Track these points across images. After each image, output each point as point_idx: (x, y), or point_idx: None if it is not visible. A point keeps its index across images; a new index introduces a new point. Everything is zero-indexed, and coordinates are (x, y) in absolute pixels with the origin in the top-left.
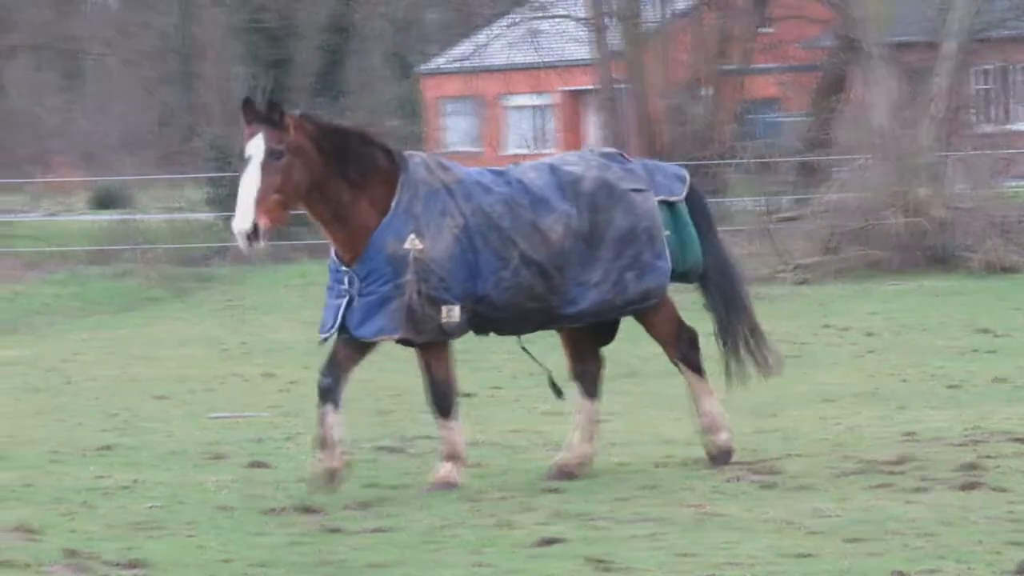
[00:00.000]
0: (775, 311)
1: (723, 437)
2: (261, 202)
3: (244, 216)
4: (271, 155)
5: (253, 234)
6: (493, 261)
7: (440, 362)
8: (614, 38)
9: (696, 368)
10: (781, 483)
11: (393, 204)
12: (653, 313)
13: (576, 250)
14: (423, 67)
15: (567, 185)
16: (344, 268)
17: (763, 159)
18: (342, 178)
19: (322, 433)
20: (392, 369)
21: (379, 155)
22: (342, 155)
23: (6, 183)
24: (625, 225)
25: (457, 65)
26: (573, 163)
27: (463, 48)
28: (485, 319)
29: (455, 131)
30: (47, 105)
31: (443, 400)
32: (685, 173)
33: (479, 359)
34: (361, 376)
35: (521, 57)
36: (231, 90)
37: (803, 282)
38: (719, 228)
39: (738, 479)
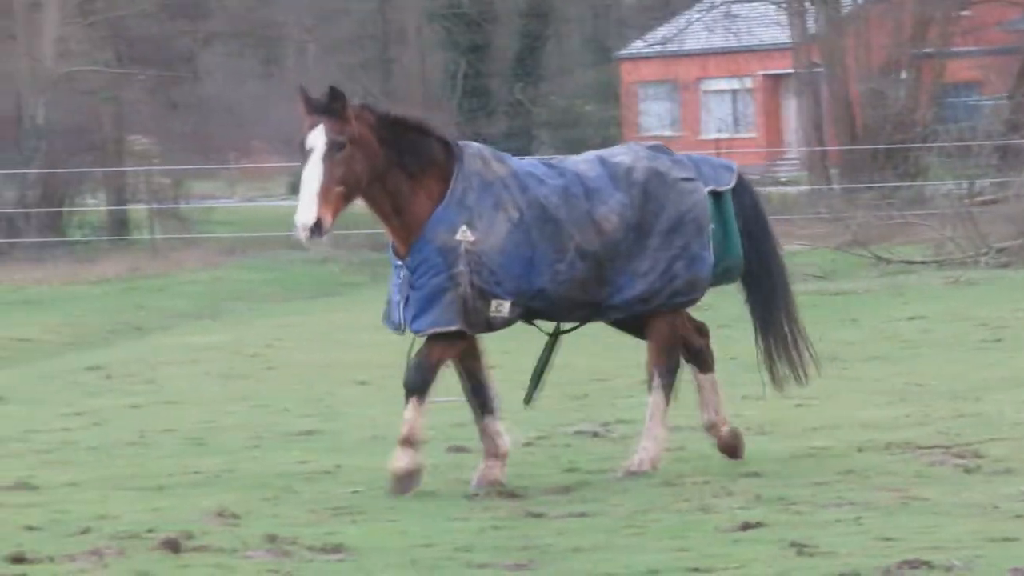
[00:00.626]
0: (975, 295)
1: (649, 460)
2: (324, 195)
3: (307, 210)
4: (333, 147)
5: (316, 228)
6: (550, 253)
7: (445, 347)
8: (813, 21)
9: (670, 393)
10: (984, 467)
11: (447, 195)
12: (665, 315)
13: (627, 240)
14: (621, 52)
15: (619, 175)
16: (399, 262)
17: (962, 143)
18: (401, 169)
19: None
20: (592, 353)
21: (436, 146)
22: (401, 146)
23: (204, 169)
24: (675, 214)
25: (655, 49)
26: (622, 154)
27: (661, 32)
28: (535, 311)
29: (652, 116)
30: (246, 92)
31: (423, 378)
32: (733, 164)
33: None
34: (560, 360)
35: (719, 41)
36: (429, 76)
37: (1004, 265)
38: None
39: (940, 463)
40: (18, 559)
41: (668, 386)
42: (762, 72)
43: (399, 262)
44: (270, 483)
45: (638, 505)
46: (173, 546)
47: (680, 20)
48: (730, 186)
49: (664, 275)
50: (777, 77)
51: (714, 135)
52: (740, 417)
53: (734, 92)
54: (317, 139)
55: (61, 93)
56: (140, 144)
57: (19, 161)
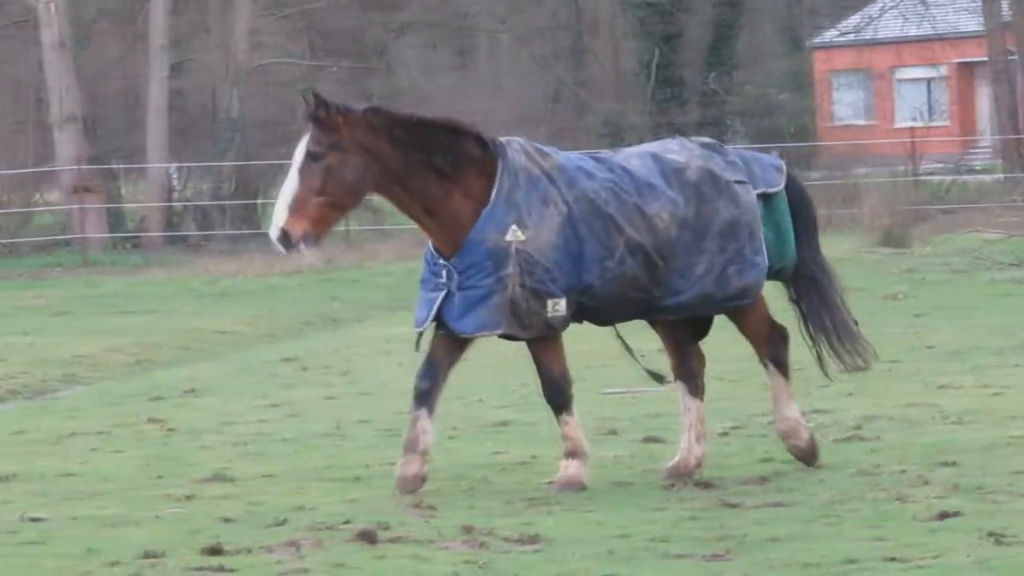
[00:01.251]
0: None
1: (802, 441)
2: (296, 207)
3: (275, 223)
4: (309, 157)
5: (284, 240)
6: (599, 250)
7: (552, 356)
8: (1007, 8)
9: (783, 369)
10: None
11: (492, 194)
12: (747, 312)
13: (682, 240)
14: (814, 40)
15: (671, 173)
16: (442, 261)
17: None
18: (429, 170)
19: (411, 436)
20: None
21: (470, 144)
22: (425, 146)
23: None
24: (728, 217)
25: (848, 38)
26: (675, 151)
27: (854, 21)
28: (585, 309)
29: (845, 104)
30: (438, 83)
31: (558, 395)
32: (782, 163)
33: (875, 332)
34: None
35: (913, 29)
36: (622, 65)
37: None
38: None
39: None
40: (215, 551)
41: (783, 364)
42: (956, 60)
43: (440, 261)
44: (466, 474)
45: (834, 495)
46: (369, 537)
47: (873, 8)
48: (780, 187)
49: (719, 279)
50: (971, 65)
51: (907, 123)
52: (936, 407)
53: (928, 80)
54: (298, 150)
55: (255, 86)
56: None
57: (214, 154)
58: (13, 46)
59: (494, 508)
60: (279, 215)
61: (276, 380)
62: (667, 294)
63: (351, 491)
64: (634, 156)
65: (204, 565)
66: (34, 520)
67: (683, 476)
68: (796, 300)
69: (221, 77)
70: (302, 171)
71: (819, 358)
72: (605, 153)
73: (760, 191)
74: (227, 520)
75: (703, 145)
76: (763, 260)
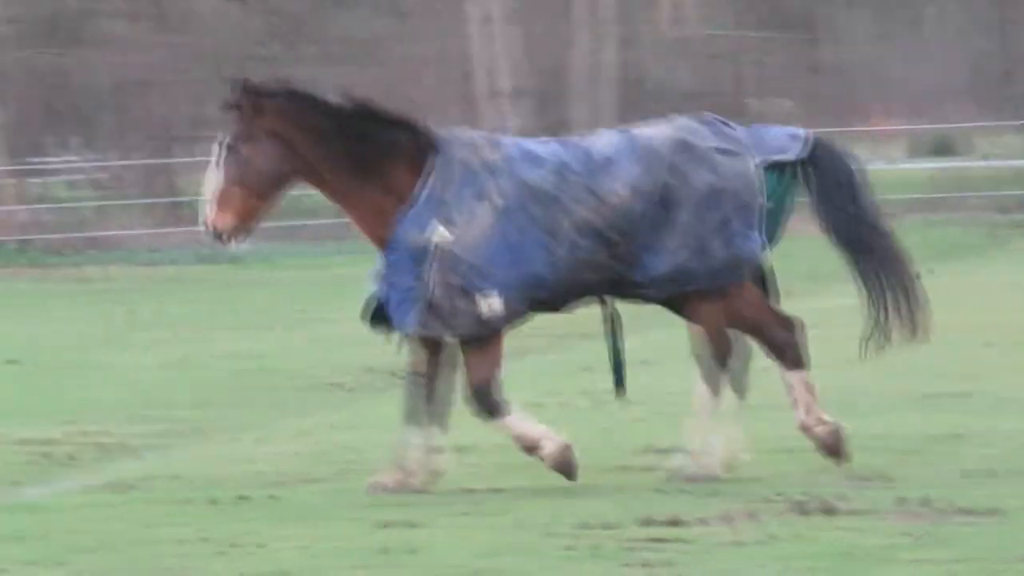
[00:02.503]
0: None
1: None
2: (220, 202)
3: (203, 219)
4: (227, 148)
5: (215, 236)
6: (542, 237)
7: (480, 360)
8: None
9: (800, 360)
10: None
11: (416, 192)
12: (740, 295)
13: (647, 214)
14: None
15: (640, 147)
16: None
17: None
18: (346, 161)
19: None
20: None
21: (403, 136)
22: (344, 136)
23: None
24: (704, 187)
25: None
26: (653, 126)
27: None
28: (540, 300)
29: None
30: (865, 55)
31: (483, 402)
32: (803, 132)
33: None
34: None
35: None
36: None
37: None
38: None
39: None
40: (649, 522)
41: (791, 353)
42: None
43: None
44: (897, 447)
45: None
46: (802, 509)
47: None
48: (795, 155)
49: (698, 253)
50: None
51: None
52: None
53: None
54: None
55: (688, 57)
56: (779, 106)
57: None
58: (443, 19)
59: (930, 479)
60: (206, 210)
61: None
62: (636, 270)
63: (783, 463)
64: (604, 135)
65: (638, 536)
66: (467, 491)
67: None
68: (850, 264)
69: (670, 49)
70: (223, 163)
71: (870, 327)
72: (576, 137)
73: (772, 159)
74: (660, 491)
75: (693, 118)
76: (758, 235)
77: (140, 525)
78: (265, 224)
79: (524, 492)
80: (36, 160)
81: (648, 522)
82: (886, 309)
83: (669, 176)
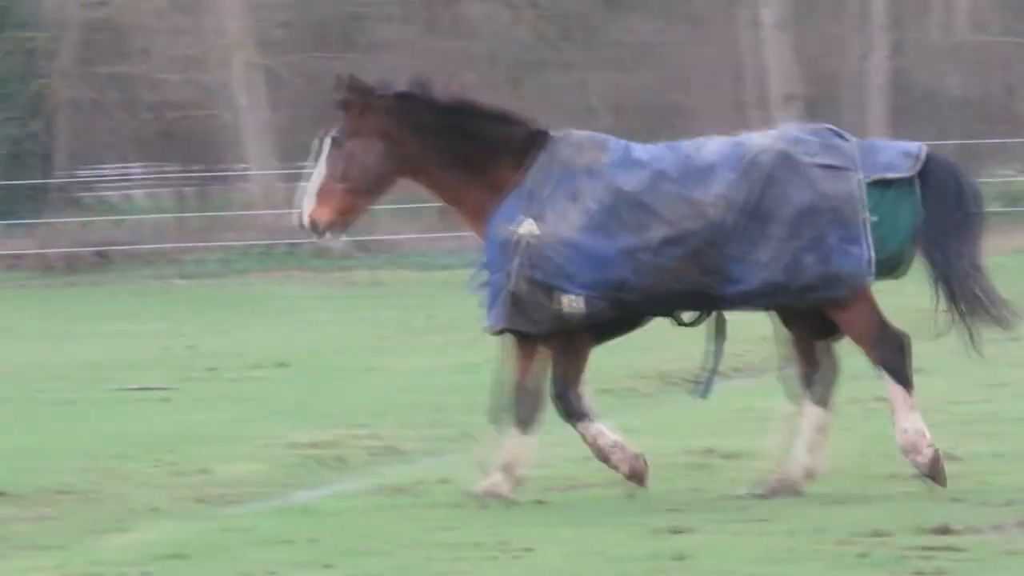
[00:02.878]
0: None
1: (924, 457)
2: (320, 195)
3: (301, 211)
4: (333, 143)
5: (312, 228)
6: (631, 241)
7: (563, 362)
8: None
9: (899, 378)
10: None
11: (514, 187)
12: (846, 308)
13: (739, 225)
14: None
15: (744, 157)
16: None
17: None
18: (451, 159)
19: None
20: None
21: (513, 135)
22: (451, 135)
23: None
24: (803, 201)
25: None
26: (764, 136)
27: None
28: (627, 303)
29: None
30: None
31: (561, 403)
32: (918, 149)
33: None
34: None
35: None
36: None
37: None
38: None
39: None
40: (943, 530)
41: (900, 372)
42: None
43: None
44: None
45: None
46: None
47: None
48: (905, 174)
49: (790, 268)
50: None
51: None
52: None
53: None
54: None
55: (974, 64)
56: None
57: (934, 134)
58: (715, 24)
59: None
60: (305, 203)
61: (1003, 359)
62: (725, 282)
63: None
64: (711, 142)
65: (932, 544)
66: (759, 497)
67: (787, 489)
68: (930, 274)
69: (941, 56)
70: (328, 158)
71: (962, 331)
72: (687, 141)
73: (877, 176)
74: (955, 500)
75: (811, 130)
76: (861, 250)
77: (411, 529)
78: None
79: (794, 499)
80: (307, 164)
81: (919, 530)
82: (977, 306)
83: (766, 188)
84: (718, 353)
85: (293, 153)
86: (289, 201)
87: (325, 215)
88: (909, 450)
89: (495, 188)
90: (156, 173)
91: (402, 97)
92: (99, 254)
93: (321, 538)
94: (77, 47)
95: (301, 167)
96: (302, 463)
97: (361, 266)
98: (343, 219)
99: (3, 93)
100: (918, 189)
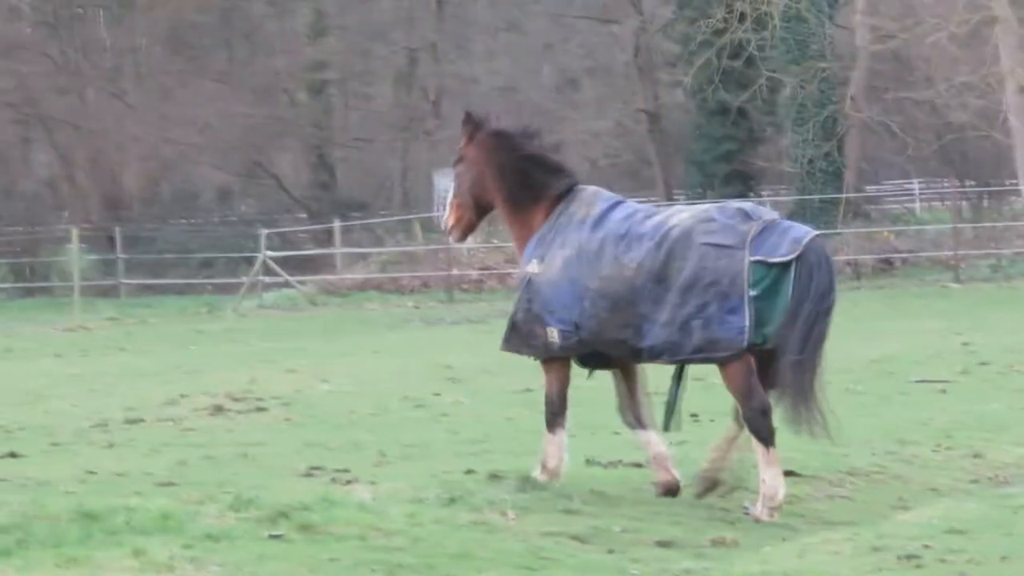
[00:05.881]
0: None
1: (776, 503)
2: (452, 204)
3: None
4: (455, 162)
5: (448, 230)
6: (581, 291)
7: (552, 378)
8: None
9: (761, 438)
10: None
11: (536, 231)
12: (726, 367)
13: (647, 288)
14: None
15: (663, 229)
16: None
17: None
18: (510, 197)
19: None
20: None
21: (555, 184)
22: (514, 176)
23: None
24: (691, 275)
25: None
26: (693, 212)
27: None
28: (585, 343)
29: None
30: None
31: (548, 416)
32: (804, 234)
33: None
34: None
35: None
36: None
37: None
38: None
39: None
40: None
41: (761, 433)
42: None
43: None
44: None
45: None
46: None
47: None
48: (783, 259)
49: (682, 330)
50: None
51: None
52: None
53: None
54: None
55: None
56: None
57: None
58: None
59: None
60: (445, 210)
61: None
62: (639, 337)
63: None
64: (662, 213)
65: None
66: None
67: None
68: (782, 359)
69: None
70: (455, 173)
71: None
72: (650, 208)
73: (757, 258)
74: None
75: (732, 210)
76: (739, 320)
77: None
78: None
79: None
80: None
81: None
82: (795, 410)
83: (668, 260)
84: (677, 392)
85: None
86: None
87: (450, 221)
88: (768, 494)
89: (530, 228)
90: (934, 188)
91: (495, 133)
92: (883, 260)
93: None
94: (866, 75)
95: None
96: None
97: None
98: (460, 226)
99: (801, 117)
100: (793, 272)
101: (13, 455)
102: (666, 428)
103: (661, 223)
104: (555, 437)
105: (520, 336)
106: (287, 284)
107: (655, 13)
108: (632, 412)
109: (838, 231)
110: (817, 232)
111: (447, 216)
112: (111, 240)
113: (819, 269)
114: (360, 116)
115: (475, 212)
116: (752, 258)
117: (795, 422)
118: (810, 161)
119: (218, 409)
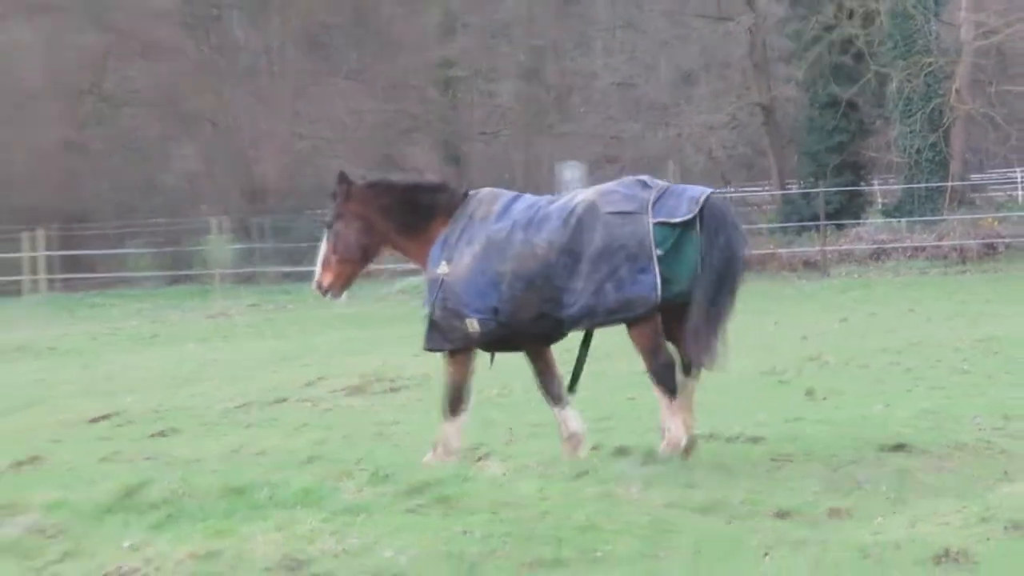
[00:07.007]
0: None
1: (678, 448)
2: (323, 264)
3: (314, 276)
4: (327, 224)
5: (319, 290)
6: (495, 278)
7: (455, 369)
8: None
9: (667, 390)
10: None
11: (439, 237)
12: (635, 326)
13: (561, 262)
14: None
15: (567, 208)
16: None
17: None
18: (407, 228)
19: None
20: None
21: (441, 198)
22: (403, 209)
23: None
24: (600, 243)
25: None
26: (591, 191)
27: None
28: (507, 330)
29: None
30: None
31: (450, 402)
32: (700, 194)
33: None
34: None
35: None
36: None
37: None
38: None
39: None
40: None
41: (667, 385)
42: None
43: None
44: None
45: None
46: None
47: None
48: (683, 218)
49: (596, 295)
50: None
51: None
52: None
53: None
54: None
55: None
56: None
57: None
58: None
59: None
60: (316, 270)
61: None
62: (561, 308)
63: None
64: (564, 197)
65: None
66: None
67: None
68: (695, 293)
69: None
70: (327, 235)
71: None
72: (552, 196)
73: (660, 220)
74: None
75: (630, 182)
76: (650, 278)
77: None
78: None
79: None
80: None
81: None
82: (701, 338)
83: (575, 233)
84: (582, 357)
85: None
86: None
87: (325, 280)
88: (671, 443)
89: (432, 240)
90: None
91: (369, 186)
92: (987, 246)
93: None
94: (970, 69)
95: None
96: None
97: None
98: (338, 283)
99: (908, 109)
100: (697, 229)
101: (163, 435)
102: (570, 389)
103: (565, 204)
104: (456, 420)
105: (441, 332)
106: (415, 272)
107: (768, 11)
108: (548, 390)
109: (944, 218)
110: (713, 190)
111: (319, 276)
112: (247, 230)
113: (723, 223)
114: (485, 111)
115: (361, 264)
116: (654, 220)
117: (694, 342)
118: (917, 151)
119: (355, 390)
